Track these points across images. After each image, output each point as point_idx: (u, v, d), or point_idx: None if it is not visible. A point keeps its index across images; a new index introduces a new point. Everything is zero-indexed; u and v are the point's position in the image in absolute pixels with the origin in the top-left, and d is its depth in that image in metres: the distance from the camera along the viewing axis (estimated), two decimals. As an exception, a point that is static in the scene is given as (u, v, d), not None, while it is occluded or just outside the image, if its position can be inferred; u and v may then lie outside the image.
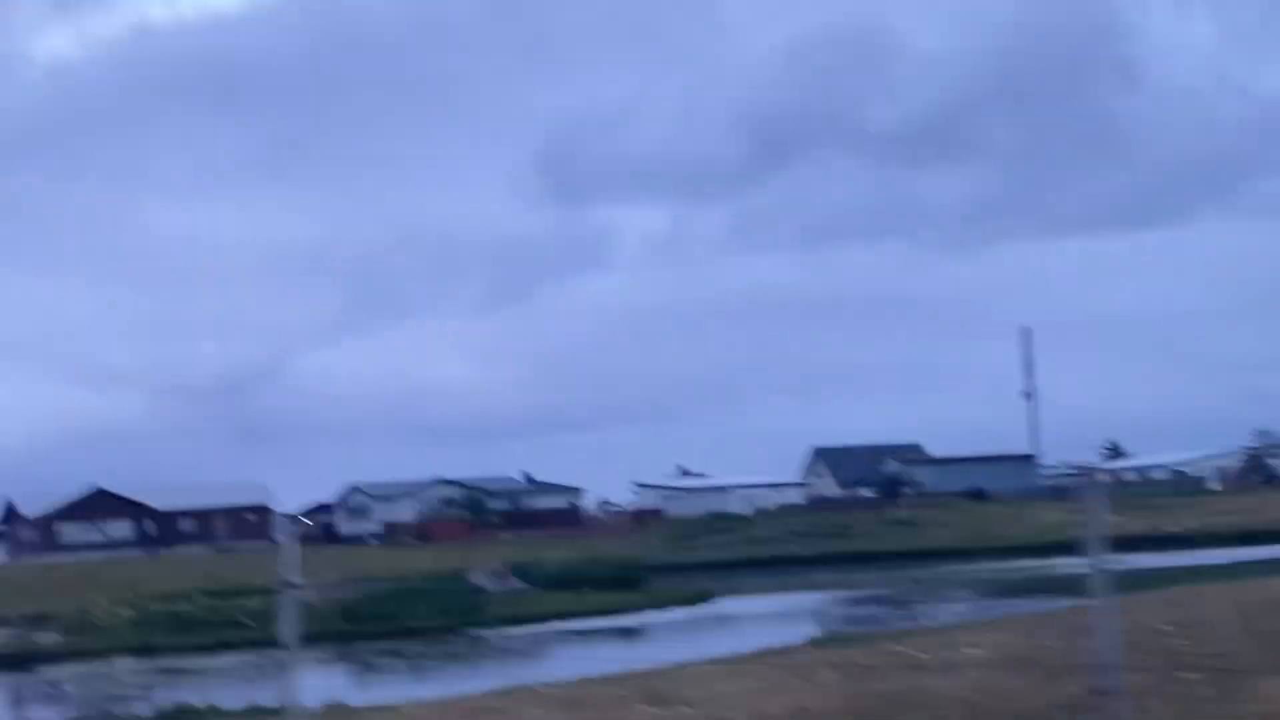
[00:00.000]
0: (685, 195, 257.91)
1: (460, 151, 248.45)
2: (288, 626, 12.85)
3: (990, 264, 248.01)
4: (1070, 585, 53.37)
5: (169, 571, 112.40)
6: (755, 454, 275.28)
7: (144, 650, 56.36)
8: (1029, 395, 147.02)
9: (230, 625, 59.92)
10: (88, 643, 58.12)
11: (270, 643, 47.27)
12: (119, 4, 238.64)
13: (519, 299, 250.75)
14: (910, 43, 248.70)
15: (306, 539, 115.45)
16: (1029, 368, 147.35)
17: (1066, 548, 60.99)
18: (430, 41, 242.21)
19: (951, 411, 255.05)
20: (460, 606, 59.56)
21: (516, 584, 65.87)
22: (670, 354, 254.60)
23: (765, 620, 57.15)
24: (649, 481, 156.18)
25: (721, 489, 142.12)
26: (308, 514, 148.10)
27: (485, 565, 71.95)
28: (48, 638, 59.95)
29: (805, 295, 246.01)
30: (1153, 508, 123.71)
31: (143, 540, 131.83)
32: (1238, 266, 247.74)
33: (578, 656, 41.26)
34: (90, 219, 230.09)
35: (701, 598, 63.81)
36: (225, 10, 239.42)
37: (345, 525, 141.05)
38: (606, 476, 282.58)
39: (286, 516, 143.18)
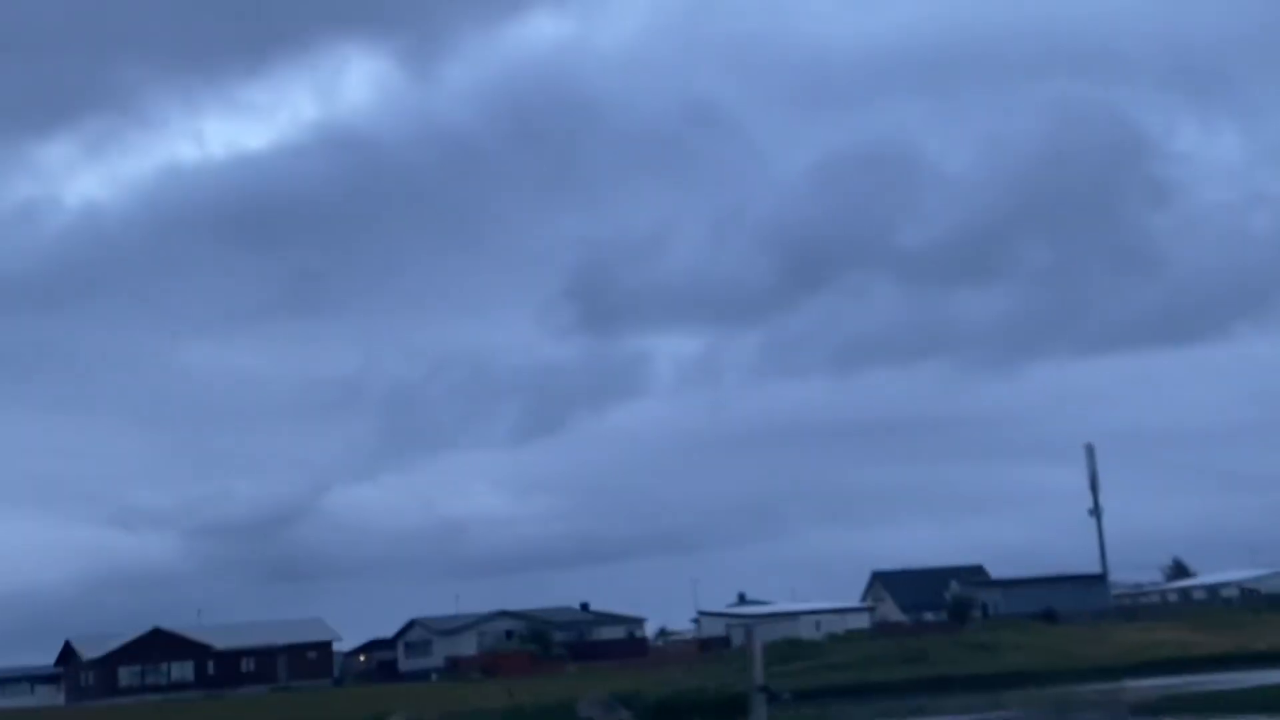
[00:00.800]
0: (718, 321, 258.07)
1: (491, 282, 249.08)
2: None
3: (1027, 383, 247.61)
4: (1212, 702, 51.13)
5: (232, 714, 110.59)
6: (805, 580, 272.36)
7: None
8: (1096, 513, 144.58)
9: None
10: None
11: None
12: (149, 146, 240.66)
13: (554, 428, 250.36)
14: (940, 165, 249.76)
15: (366, 676, 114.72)
16: (1095, 484, 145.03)
17: (1153, 667, 59.69)
18: (459, 173, 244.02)
19: (1001, 533, 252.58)
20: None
21: (624, 714, 63.85)
22: (709, 481, 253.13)
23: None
24: (710, 609, 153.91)
25: (788, 615, 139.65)
26: (366, 651, 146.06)
27: (590, 696, 69.95)
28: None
29: (841, 418, 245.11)
30: (1233, 625, 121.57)
31: (202, 681, 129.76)
32: (1276, 380, 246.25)
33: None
34: (123, 360, 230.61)
35: (821, 723, 61.65)
36: (254, 149, 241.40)
37: (405, 661, 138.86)
38: (659, 605, 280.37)
39: (347, 654, 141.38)
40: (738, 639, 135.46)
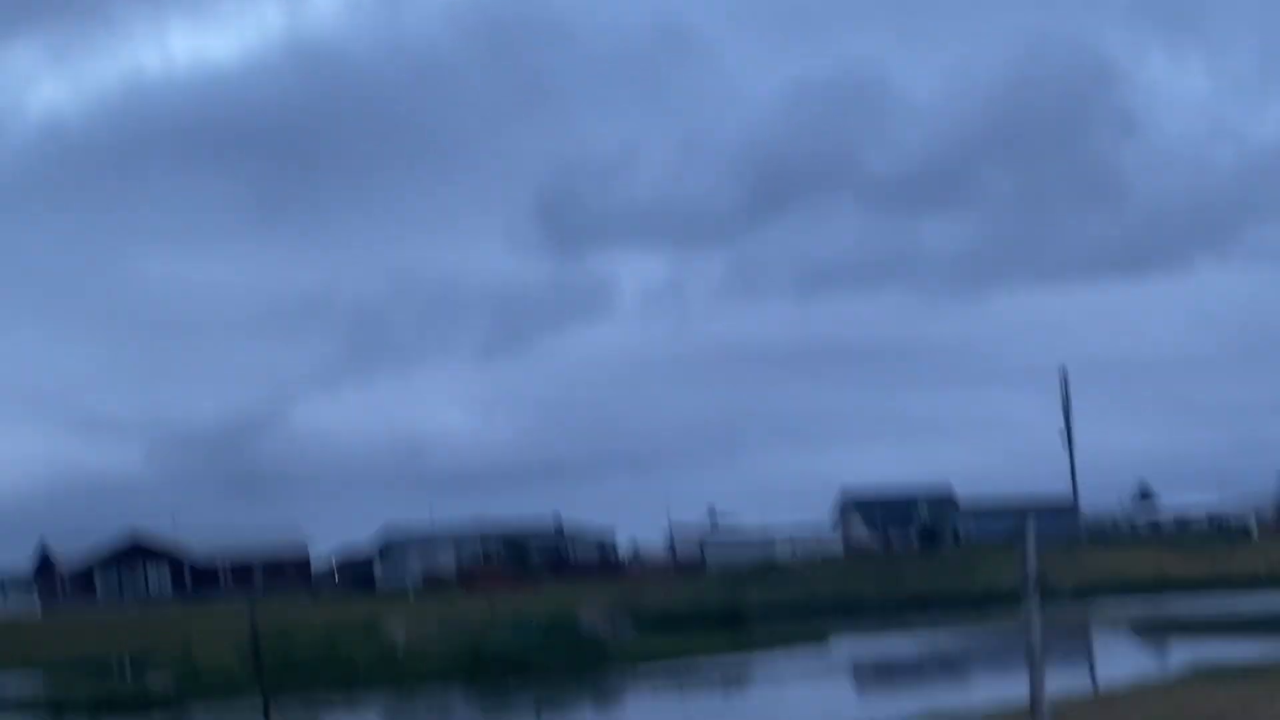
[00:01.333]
0: (683, 242, 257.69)
1: (458, 200, 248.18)
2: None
3: (990, 311, 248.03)
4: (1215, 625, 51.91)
5: (212, 621, 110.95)
6: (773, 501, 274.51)
7: (276, 692, 55.13)
8: (1069, 440, 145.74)
9: (349, 669, 58.72)
10: (209, 688, 56.78)
11: (412, 682, 45.84)
12: (114, 55, 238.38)
13: (518, 347, 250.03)
14: (908, 92, 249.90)
15: (342, 588, 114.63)
16: (1068, 411, 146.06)
17: (1132, 590, 60.43)
18: (425, 90, 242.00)
19: (966, 457, 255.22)
20: (587, 649, 58.21)
21: (627, 626, 64.61)
22: (674, 401, 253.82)
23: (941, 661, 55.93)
24: (682, 527, 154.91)
25: (763, 536, 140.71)
26: (342, 563, 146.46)
27: (594, 608, 70.68)
28: (156, 682, 58.41)
29: (805, 342, 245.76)
30: (1206, 551, 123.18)
31: (179, 590, 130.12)
32: (1235, 313, 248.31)
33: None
34: (85, 269, 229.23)
35: (820, 638, 62.45)
36: (220, 60, 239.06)
37: (382, 574, 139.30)
38: (629, 523, 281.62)
39: (322, 566, 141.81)
40: (713, 557, 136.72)
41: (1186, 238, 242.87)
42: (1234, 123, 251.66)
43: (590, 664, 56.34)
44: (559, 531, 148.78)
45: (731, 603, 73.63)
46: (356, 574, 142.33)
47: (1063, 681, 30.79)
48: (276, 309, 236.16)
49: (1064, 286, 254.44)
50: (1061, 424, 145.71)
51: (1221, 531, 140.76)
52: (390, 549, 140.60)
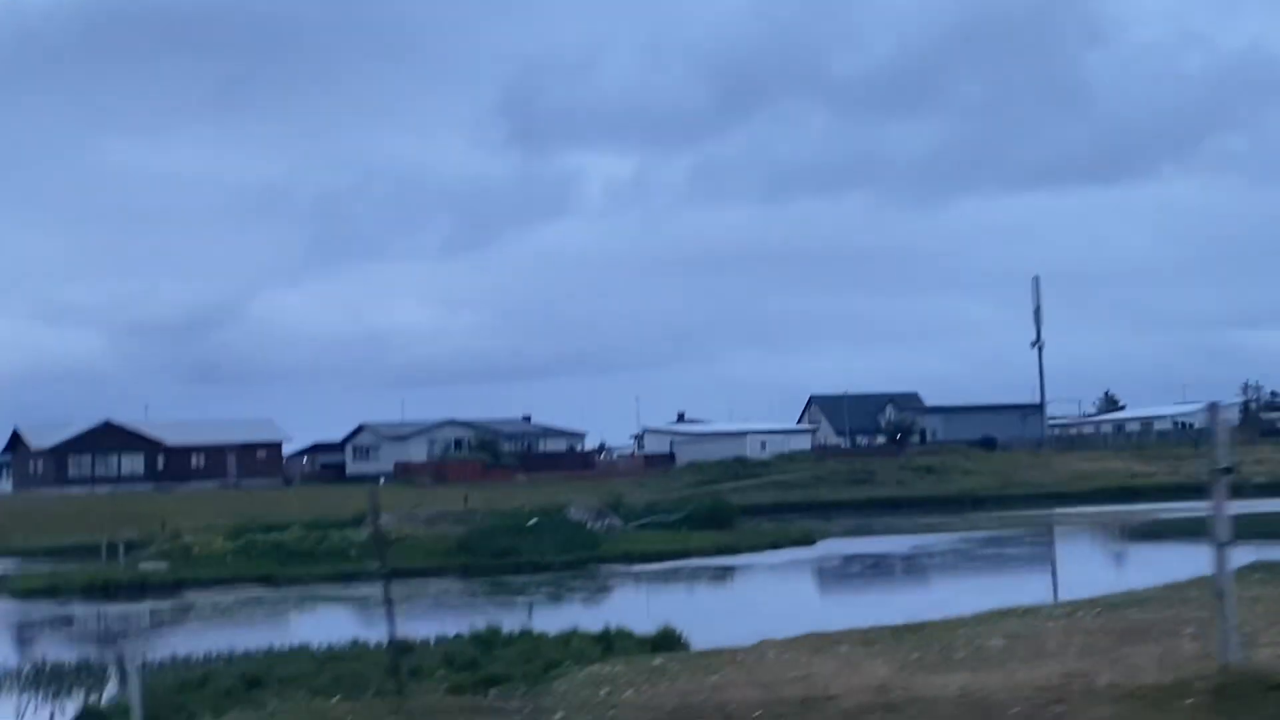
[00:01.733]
0: (649, 142, 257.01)
1: (423, 94, 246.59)
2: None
3: (954, 217, 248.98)
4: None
5: (188, 507, 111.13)
6: (739, 402, 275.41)
7: (269, 580, 55.42)
8: (1038, 345, 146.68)
9: (339, 557, 58.96)
10: (203, 572, 57.00)
11: (405, 573, 45.95)
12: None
13: (482, 244, 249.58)
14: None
15: (313, 478, 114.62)
16: (1039, 317, 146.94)
17: (1107, 495, 60.98)
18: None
19: (927, 362, 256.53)
20: (579, 541, 58.59)
21: (615, 521, 64.98)
22: (639, 302, 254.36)
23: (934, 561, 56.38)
24: (651, 426, 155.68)
25: (734, 434, 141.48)
26: (312, 453, 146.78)
27: (582, 501, 71.08)
28: (150, 566, 58.55)
29: (770, 245, 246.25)
30: (1173, 457, 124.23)
31: (152, 475, 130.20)
32: (1200, 222, 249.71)
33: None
34: (47, 155, 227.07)
35: (808, 539, 62.96)
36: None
37: (353, 465, 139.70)
38: (595, 421, 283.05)
39: (291, 456, 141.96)
40: (683, 455, 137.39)
41: (1152, 146, 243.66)
42: (1201, 31, 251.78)
43: (589, 557, 56.68)
44: (531, 428, 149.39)
45: (716, 502, 73.93)
46: (326, 465, 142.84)
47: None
48: (240, 200, 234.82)
49: (1029, 193, 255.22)
50: (1031, 331, 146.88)
51: (1189, 438, 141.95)
52: (361, 441, 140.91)
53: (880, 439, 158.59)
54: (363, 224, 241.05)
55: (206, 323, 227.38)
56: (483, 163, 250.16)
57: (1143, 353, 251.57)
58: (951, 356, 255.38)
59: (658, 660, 16.47)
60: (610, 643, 24.70)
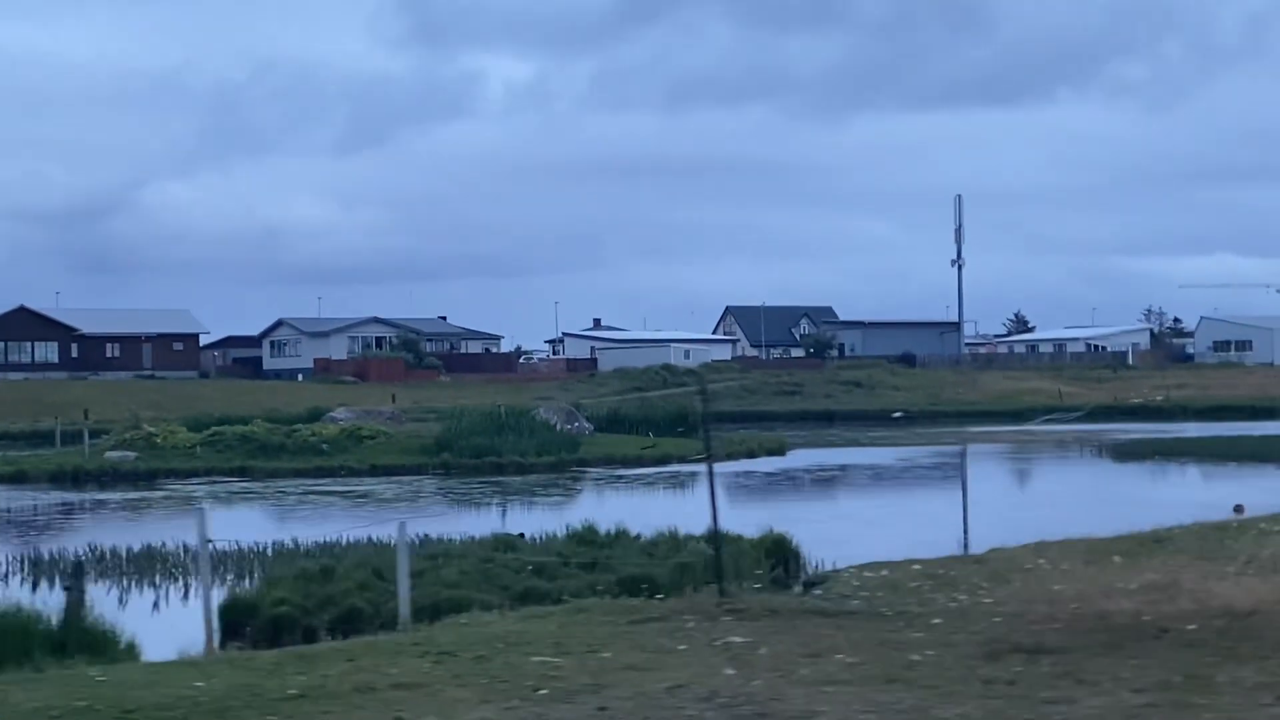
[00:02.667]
0: (551, 46, 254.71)
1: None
2: None
3: (853, 133, 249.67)
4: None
5: (106, 395, 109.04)
6: (643, 310, 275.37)
7: (246, 472, 54.33)
8: (958, 263, 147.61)
9: (311, 452, 57.90)
10: (175, 463, 55.78)
11: (386, 470, 44.99)
12: None
13: (381, 141, 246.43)
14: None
15: (228, 372, 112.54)
16: (959, 236, 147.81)
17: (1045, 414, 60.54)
18: None
19: (822, 278, 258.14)
20: (557, 443, 57.86)
21: (584, 424, 64.30)
22: (539, 206, 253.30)
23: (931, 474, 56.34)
24: (573, 331, 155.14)
25: (658, 342, 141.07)
26: (225, 346, 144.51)
27: (551, 405, 70.32)
28: (117, 455, 57.16)
29: (670, 155, 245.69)
30: (1094, 379, 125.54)
31: (66, 363, 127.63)
32: (1095, 149, 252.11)
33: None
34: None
35: (781, 449, 62.66)
36: None
37: (270, 360, 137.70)
38: (506, 326, 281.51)
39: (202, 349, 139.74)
40: (606, 362, 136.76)
41: (1051, 71, 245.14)
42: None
43: (572, 460, 56.00)
44: (452, 329, 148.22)
45: (679, 409, 73.47)
46: (237, 359, 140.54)
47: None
48: (132, 87, 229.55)
49: (930, 113, 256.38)
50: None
51: (1103, 361, 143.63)
52: (280, 336, 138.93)
53: (796, 352, 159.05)
54: (258, 117, 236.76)
55: (97, 211, 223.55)
56: (382, 59, 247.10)
57: (1038, 276, 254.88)
58: (856, 273, 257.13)
59: (916, 566, 15.91)
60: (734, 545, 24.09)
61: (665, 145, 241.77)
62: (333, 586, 21.26)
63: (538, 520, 32.24)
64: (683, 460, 57.51)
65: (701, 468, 55.21)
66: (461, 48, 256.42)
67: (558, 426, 62.27)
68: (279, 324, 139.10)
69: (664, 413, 71.47)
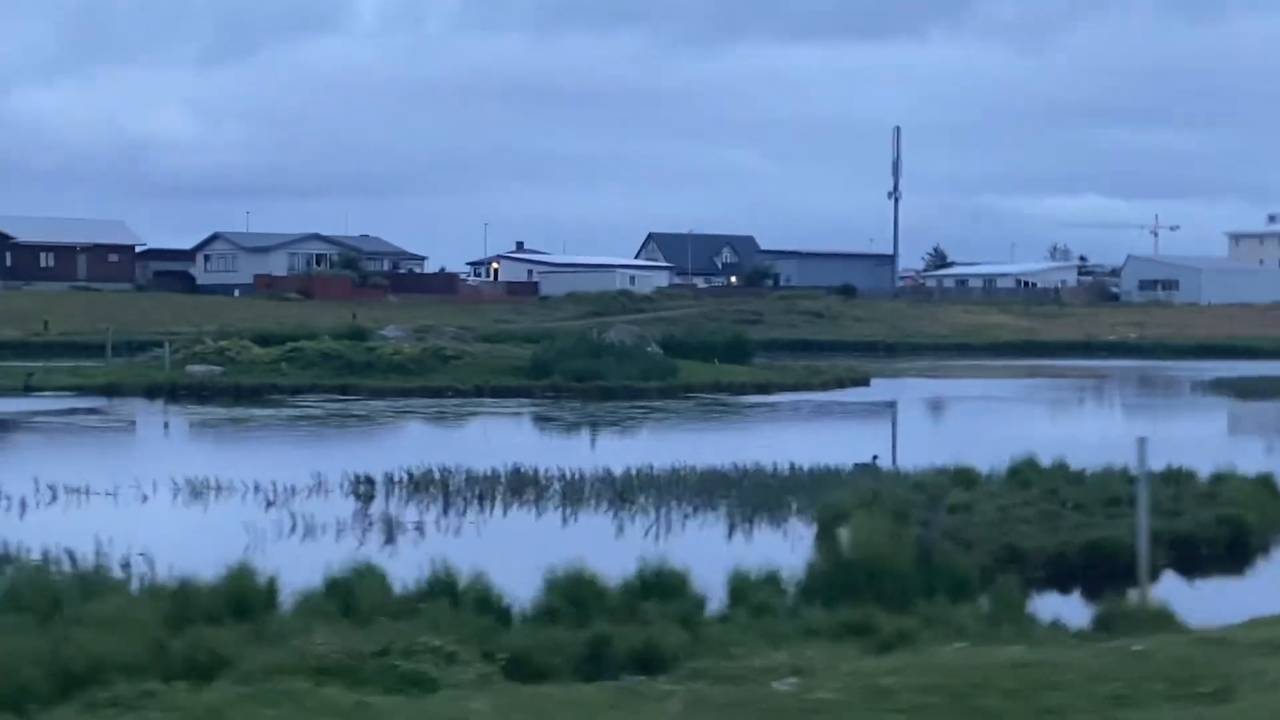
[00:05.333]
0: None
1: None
2: None
3: (725, 64, 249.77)
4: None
5: (47, 305, 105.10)
6: (551, 234, 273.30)
7: (347, 391, 52.30)
8: (895, 195, 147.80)
9: (398, 370, 55.94)
10: (264, 379, 53.53)
11: (493, 391, 43.30)
12: None
13: (247, 55, 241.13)
14: None
15: (153, 285, 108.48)
16: (897, 168, 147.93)
17: (1030, 349, 60.96)
18: None
19: (684, 206, 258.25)
20: (655, 367, 56.36)
21: (655, 349, 62.72)
22: (410, 128, 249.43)
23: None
24: (512, 254, 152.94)
25: (602, 267, 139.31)
26: (152, 258, 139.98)
27: (619, 327, 68.63)
28: (201, 369, 54.76)
29: (542, 80, 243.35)
30: (1045, 315, 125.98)
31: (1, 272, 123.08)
32: (964, 86, 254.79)
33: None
34: None
35: (865, 379, 61.54)
36: None
37: (205, 275, 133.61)
38: (424, 245, 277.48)
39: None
40: (547, 286, 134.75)
41: (923, 8, 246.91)
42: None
43: (675, 385, 54.47)
44: (394, 249, 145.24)
45: (737, 336, 72.23)
46: (160, 273, 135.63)
47: None
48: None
49: (803, 45, 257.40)
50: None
51: (1035, 297, 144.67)
52: (216, 250, 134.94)
53: (717, 280, 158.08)
54: (121, 25, 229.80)
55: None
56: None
57: (911, 212, 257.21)
58: (730, 203, 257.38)
59: None
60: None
61: (534, 71, 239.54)
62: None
63: (800, 449, 30.12)
64: (783, 390, 56.44)
65: (830, 395, 54.33)
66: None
67: (632, 349, 60.64)
68: (214, 238, 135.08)
69: (724, 340, 69.54)
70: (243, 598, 14.11)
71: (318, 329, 70.71)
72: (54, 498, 24.87)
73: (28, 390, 51.55)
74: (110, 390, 51.53)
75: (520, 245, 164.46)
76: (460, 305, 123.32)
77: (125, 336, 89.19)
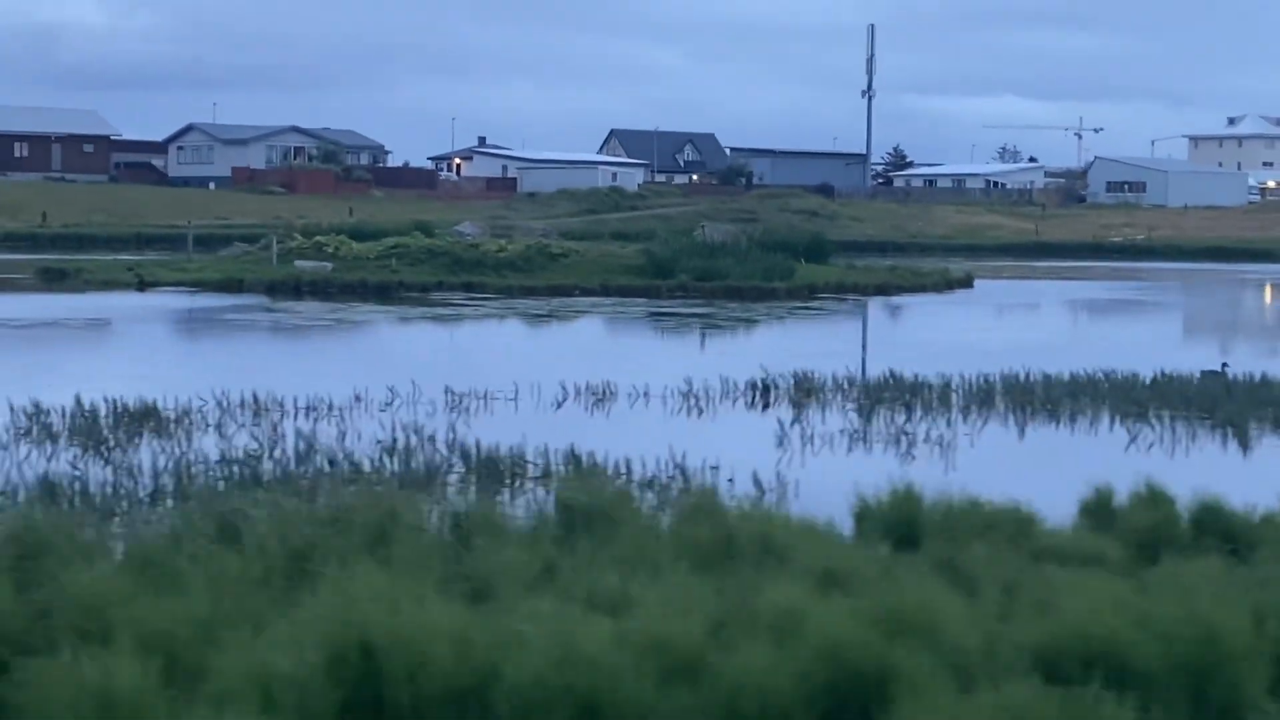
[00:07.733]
0: None
1: None
2: None
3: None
4: None
5: (27, 197, 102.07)
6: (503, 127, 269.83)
7: (471, 288, 50.82)
8: (869, 94, 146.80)
9: (510, 267, 54.46)
10: (374, 276, 51.95)
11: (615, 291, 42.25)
12: None
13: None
14: None
15: (127, 178, 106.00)
16: (870, 67, 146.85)
17: (1040, 251, 61.47)
18: None
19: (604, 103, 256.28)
20: (775, 267, 55.17)
21: (744, 246, 61.42)
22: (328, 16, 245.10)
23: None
24: (489, 149, 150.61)
25: (586, 164, 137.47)
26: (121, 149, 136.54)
27: (710, 225, 67.32)
28: (309, 265, 53.02)
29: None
30: (1029, 216, 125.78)
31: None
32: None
33: None
34: None
35: (968, 280, 60.63)
36: None
37: (177, 167, 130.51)
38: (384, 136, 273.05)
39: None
40: (528, 182, 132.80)
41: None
42: None
43: (802, 285, 53.39)
44: (373, 143, 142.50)
45: (817, 236, 71.25)
46: (127, 164, 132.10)
47: None
48: None
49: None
50: (864, 82, 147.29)
51: (1012, 198, 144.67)
52: (190, 141, 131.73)
53: (680, 178, 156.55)
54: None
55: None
56: None
57: (819, 110, 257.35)
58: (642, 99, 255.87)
59: None
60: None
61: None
62: None
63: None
64: (894, 290, 55.65)
65: (952, 297, 53.60)
66: None
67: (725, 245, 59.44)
68: (189, 129, 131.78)
69: (787, 238, 68.36)
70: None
71: (373, 225, 69.25)
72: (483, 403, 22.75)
73: (144, 286, 49.75)
74: (230, 286, 49.66)
75: (482, 140, 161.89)
76: (446, 201, 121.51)
77: (136, 230, 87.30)
